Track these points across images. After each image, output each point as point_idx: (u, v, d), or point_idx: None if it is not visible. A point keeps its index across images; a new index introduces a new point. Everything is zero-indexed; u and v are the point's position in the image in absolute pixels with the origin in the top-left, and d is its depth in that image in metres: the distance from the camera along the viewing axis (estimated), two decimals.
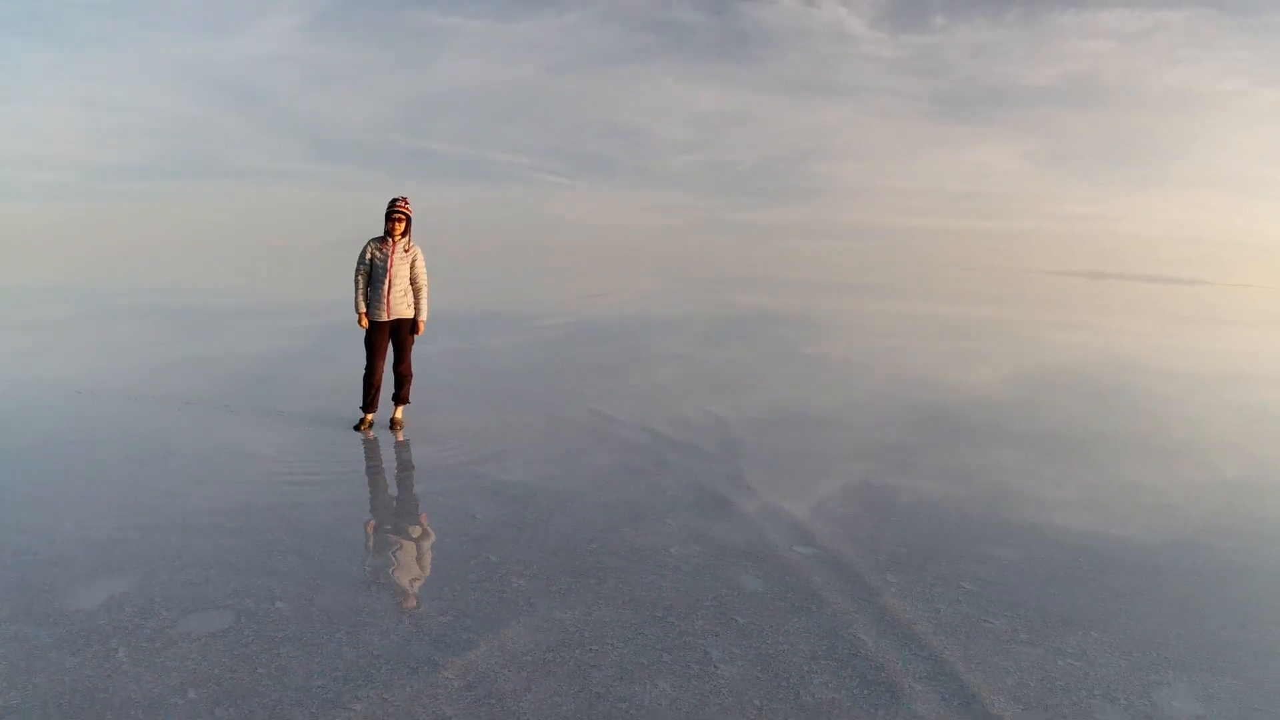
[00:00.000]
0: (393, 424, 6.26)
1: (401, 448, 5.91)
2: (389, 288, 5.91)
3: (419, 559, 4.02)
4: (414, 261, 6.02)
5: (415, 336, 6.20)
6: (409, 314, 6.09)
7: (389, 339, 6.10)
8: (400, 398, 6.29)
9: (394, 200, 5.92)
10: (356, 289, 5.96)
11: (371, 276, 5.97)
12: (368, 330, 6.07)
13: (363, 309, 6.01)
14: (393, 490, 5.14)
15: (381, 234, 5.99)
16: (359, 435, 6.05)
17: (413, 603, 3.46)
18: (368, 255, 5.95)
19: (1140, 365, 12.38)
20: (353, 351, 9.33)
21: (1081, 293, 52.00)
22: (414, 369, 6.30)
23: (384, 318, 5.98)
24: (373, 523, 4.45)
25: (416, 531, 4.35)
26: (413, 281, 6.06)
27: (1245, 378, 11.24)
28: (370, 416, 6.19)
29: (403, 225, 5.92)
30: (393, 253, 5.92)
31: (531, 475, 5.27)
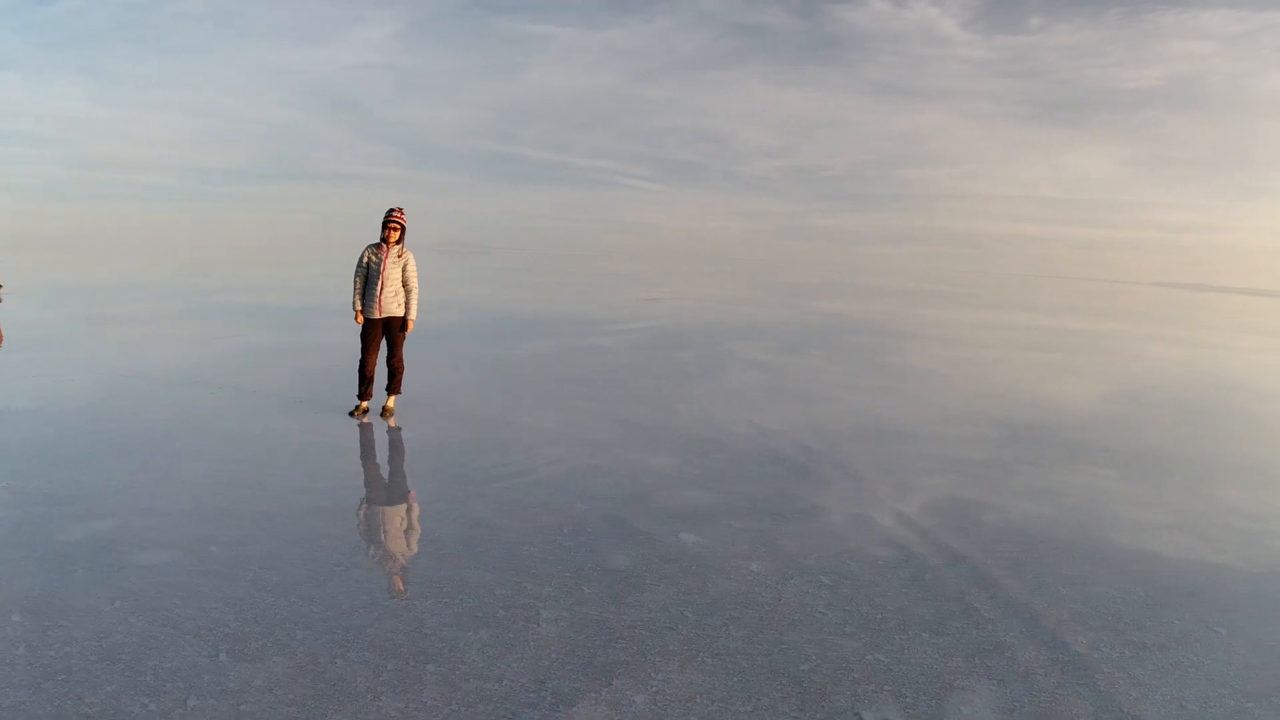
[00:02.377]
0: (384, 411, 7.02)
1: (392, 431, 6.63)
2: (382, 289, 6.68)
3: (354, 520, 4.66)
4: (405, 265, 6.77)
5: (405, 333, 6.92)
6: (399, 312, 6.85)
7: (381, 334, 6.85)
8: (392, 388, 7.04)
9: (390, 210, 6.69)
10: (354, 289, 6.75)
11: (367, 278, 6.74)
12: (362, 326, 6.84)
13: (358, 307, 6.80)
14: (362, 467, 5.84)
15: (378, 240, 6.75)
16: (354, 420, 6.82)
17: (324, 554, 4.09)
18: (364, 259, 6.74)
19: (1242, 383, 11.92)
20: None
21: (1183, 305, 48.42)
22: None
23: (376, 315, 6.76)
24: (330, 489, 5.14)
25: (361, 498, 5.02)
26: (404, 283, 6.81)
27: None
28: (365, 404, 6.95)
29: (397, 234, 6.68)
30: (386, 257, 6.68)
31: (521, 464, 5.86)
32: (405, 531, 4.54)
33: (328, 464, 5.69)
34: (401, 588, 3.73)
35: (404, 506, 4.95)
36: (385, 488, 5.39)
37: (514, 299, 24.35)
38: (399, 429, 6.72)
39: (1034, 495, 5.69)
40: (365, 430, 6.62)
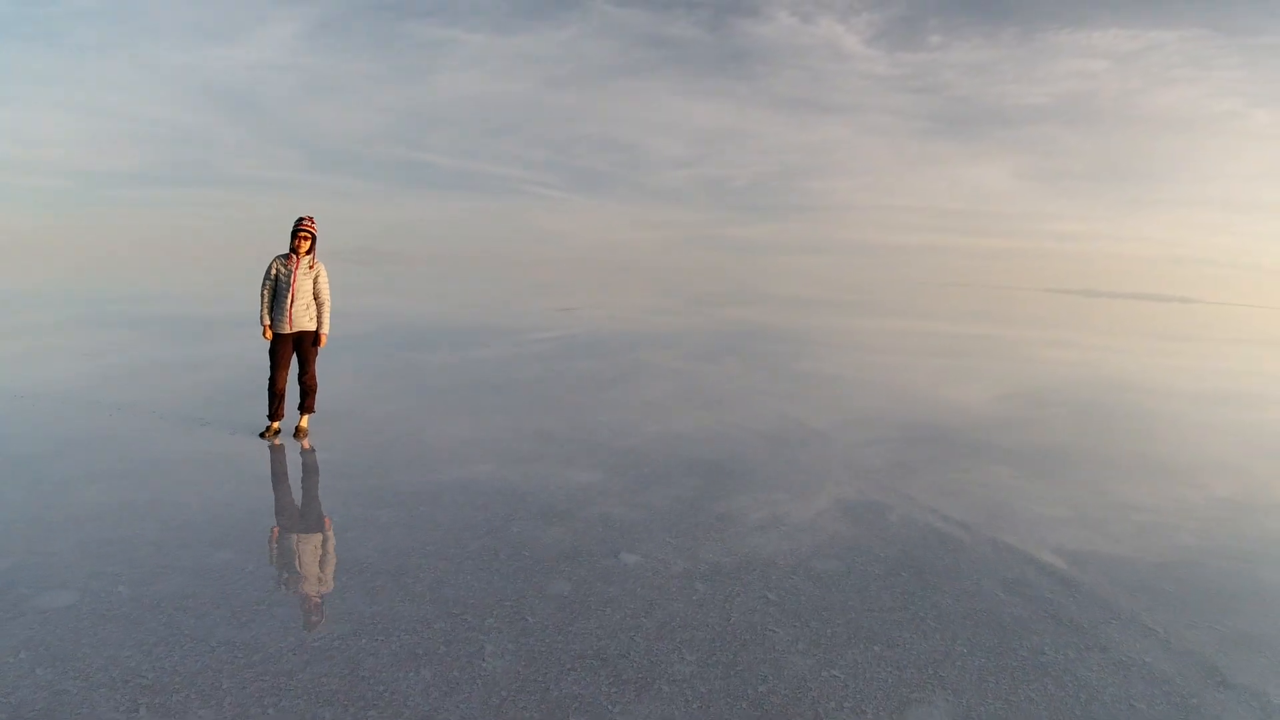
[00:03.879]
0: (297, 432, 6.60)
1: (306, 453, 6.24)
2: (292, 301, 6.28)
3: (270, 553, 4.33)
4: (317, 277, 6.40)
5: (318, 349, 6.54)
6: (311, 326, 6.46)
7: (292, 350, 6.45)
8: (305, 407, 6.63)
9: (300, 219, 6.31)
10: (261, 302, 6.33)
11: (276, 291, 6.33)
12: (271, 341, 6.42)
13: (266, 321, 6.38)
14: (276, 493, 5.46)
15: (287, 250, 6.36)
16: (264, 442, 6.38)
17: (239, 592, 3.77)
18: (273, 271, 6.33)
19: (1130, 383, 12.70)
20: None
21: (1073, 310, 51.99)
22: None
23: (286, 330, 6.35)
24: (241, 518, 4.77)
25: (277, 527, 4.68)
26: (315, 296, 6.44)
27: (1234, 396, 11.54)
28: (276, 425, 6.52)
29: (308, 243, 6.31)
30: (296, 269, 6.30)
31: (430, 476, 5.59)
32: (329, 563, 4.25)
33: (240, 490, 5.29)
34: (331, 626, 3.48)
35: (325, 535, 4.64)
36: (303, 515, 5.04)
37: (426, 309, 23.66)
38: (313, 450, 6.33)
39: (943, 494, 5.88)
40: (277, 452, 6.21)
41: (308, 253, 6.35)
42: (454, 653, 3.30)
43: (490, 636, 3.46)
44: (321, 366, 7.33)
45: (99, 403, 7.59)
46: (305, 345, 6.48)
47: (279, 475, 5.77)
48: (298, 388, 6.63)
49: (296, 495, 5.43)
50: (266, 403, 6.54)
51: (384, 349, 12.67)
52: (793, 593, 4.13)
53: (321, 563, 4.20)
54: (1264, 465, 7.24)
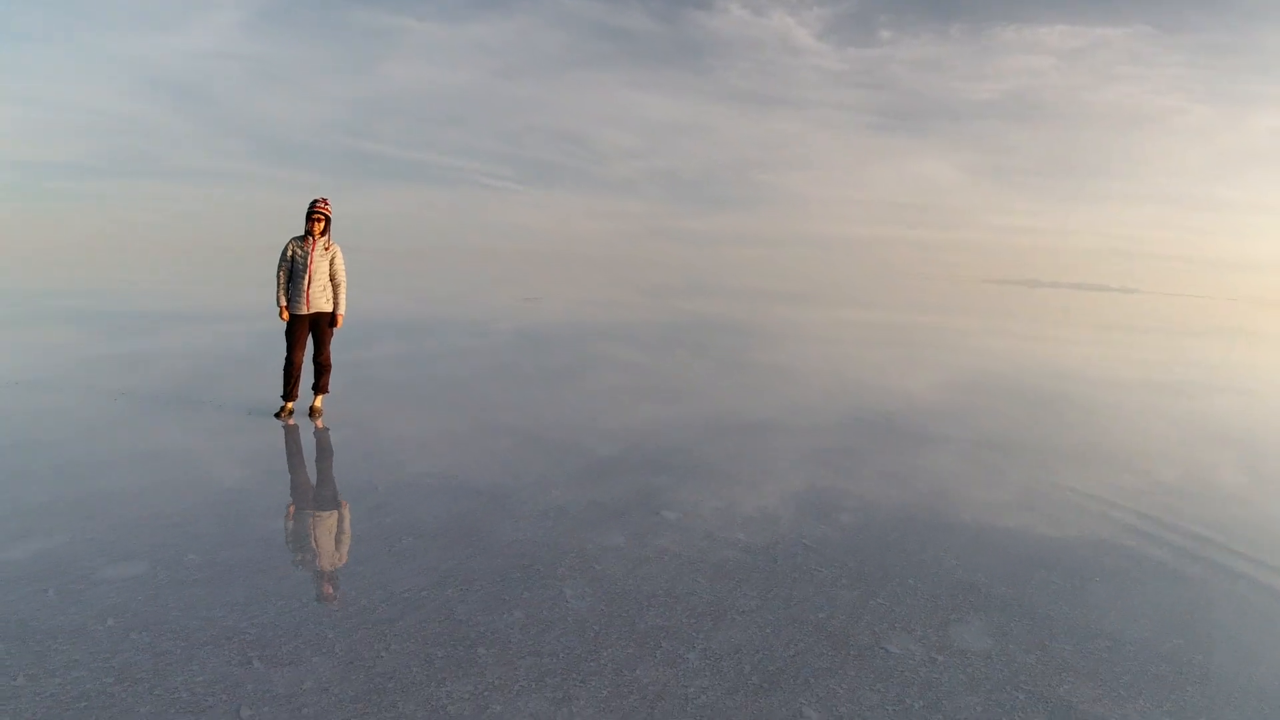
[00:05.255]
0: (311, 412, 6.67)
1: (324, 432, 6.31)
2: (309, 283, 6.33)
3: (322, 520, 4.45)
4: (333, 259, 6.46)
5: (334, 330, 6.61)
6: (328, 308, 6.52)
7: (308, 331, 6.51)
8: (319, 387, 6.70)
9: (314, 201, 6.35)
10: (278, 284, 6.36)
11: (292, 272, 6.37)
12: (288, 323, 6.46)
13: (283, 302, 6.41)
14: (301, 467, 5.55)
15: (303, 233, 6.40)
16: (279, 422, 6.42)
17: (309, 555, 3.91)
18: (289, 253, 6.36)
19: (1071, 371, 13.03)
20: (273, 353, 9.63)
21: (1017, 300, 54.02)
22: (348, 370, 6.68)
23: (303, 310, 6.41)
24: (282, 492, 4.87)
25: (321, 498, 4.79)
26: (332, 277, 6.49)
27: (1174, 384, 12.16)
28: (290, 405, 6.57)
29: (322, 225, 6.36)
30: (312, 250, 6.34)
31: (443, 462, 5.74)
32: (387, 528, 4.38)
33: (273, 468, 5.37)
34: (411, 580, 3.64)
35: (373, 503, 4.75)
36: (345, 487, 5.11)
37: (380, 302, 23.42)
38: (327, 429, 6.40)
39: (891, 481, 5.77)
40: (297, 432, 6.26)
41: (323, 234, 6.40)
42: (537, 597, 3.52)
43: (566, 583, 3.68)
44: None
45: (98, 389, 7.47)
46: (321, 326, 6.54)
47: (307, 452, 5.84)
48: (313, 368, 6.66)
49: (331, 470, 5.51)
50: (282, 384, 6.56)
51: (341, 343, 12.62)
52: (825, 540, 4.46)
53: (380, 527, 4.32)
54: (1203, 450, 7.49)
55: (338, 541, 4.14)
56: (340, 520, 4.48)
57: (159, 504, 4.49)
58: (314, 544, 4.09)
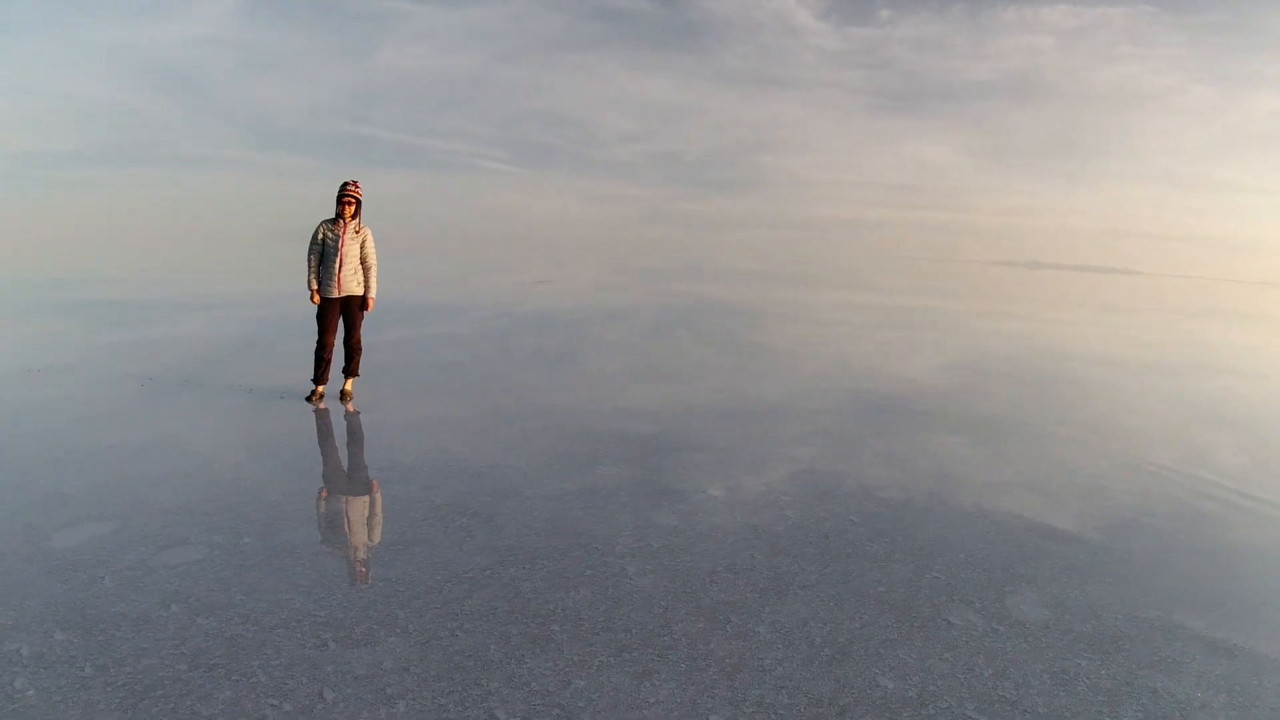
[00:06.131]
0: (343, 395, 6.66)
1: (353, 416, 6.31)
2: (340, 266, 6.30)
3: (374, 502, 4.46)
4: (364, 242, 6.42)
5: (365, 312, 6.58)
6: (359, 291, 6.50)
7: (339, 314, 6.48)
8: (350, 370, 6.69)
9: (345, 184, 6.31)
10: (309, 267, 6.33)
11: (323, 255, 6.34)
12: (319, 306, 6.44)
13: (314, 286, 6.38)
14: (340, 450, 5.55)
15: (333, 216, 6.36)
16: (310, 405, 6.42)
17: (366, 535, 3.92)
18: (320, 235, 6.33)
19: (1073, 352, 12.88)
20: (290, 338, 9.59)
21: (1018, 282, 54.02)
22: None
23: (335, 294, 6.38)
24: (326, 474, 4.87)
25: (367, 480, 4.80)
26: (363, 261, 6.46)
27: (1175, 364, 12.14)
28: (321, 389, 6.56)
29: (353, 208, 6.32)
30: (344, 233, 6.30)
31: (471, 446, 5.74)
32: (438, 509, 4.38)
33: (310, 451, 5.37)
34: (472, 560, 3.65)
35: (422, 485, 4.73)
36: (390, 468, 5.09)
37: (389, 287, 23.37)
38: (358, 413, 6.40)
39: (852, 461, 5.62)
40: (330, 416, 6.25)
41: (353, 217, 6.36)
42: (600, 574, 3.53)
43: (627, 560, 3.70)
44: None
45: (120, 375, 7.45)
46: (352, 309, 6.51)
47: (345, 435, 5.85)
48: (344, 351, 6.65)
49: (374, 452, 5.49)
50: (313, 368, 6.54)
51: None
52: (872, 516, 4.48)
53: (432, 508, 4.32)
54: (1203, 431, 7.37)
55: (393, 522, 4.14)
56: (392, 501, 4.48)
57: (202, 488, 4.48)
58: (369, 525, 4.10)
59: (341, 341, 6.62)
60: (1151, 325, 20.57)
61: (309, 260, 6.32)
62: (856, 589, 3.53)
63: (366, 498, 4.55)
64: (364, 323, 6.69)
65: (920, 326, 16.41)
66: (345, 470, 5.07)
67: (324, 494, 4.55)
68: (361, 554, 3.71)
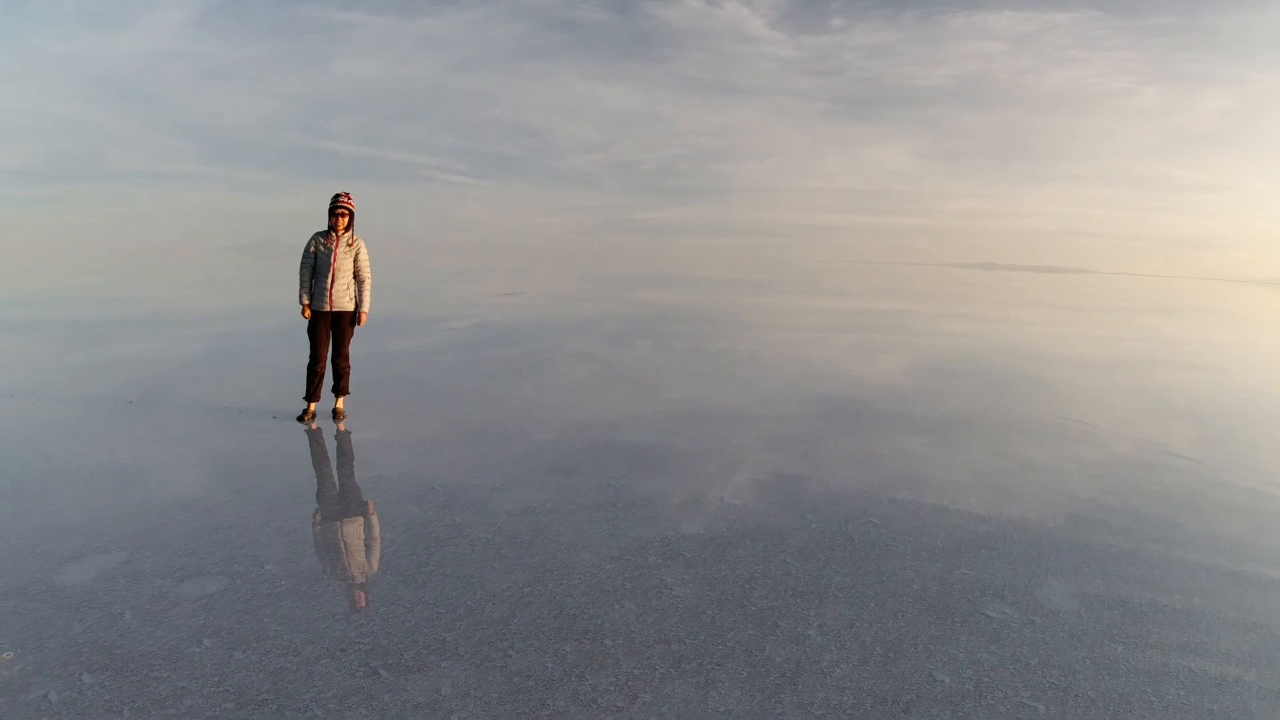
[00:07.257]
0: (335, 414, 6.50)
1: (349, 435, 6.16)
2: (333, 280, 6.15)
3: (392, 522, 4.35)
4: (358, 255, 6.28)
5: (355, 328, 6.43)
6: (350, 306, 6.34)
7: (330, 329, 6.32)
8: (340, 389, 6.52)
9: (337, 196, 6.17)
10: (301, 281, 6.16)
11: (316, 269, 6.18)
12: (310, 321, 6.28)
13: (306, 300, 6.22)
14: (343, 470, 5.41)
15: (326, 228, 6.21)
16: (303, 425, 6.25)
17: (393, 557, 3.83)
18: (312, 249, 6.17)
19: (1029, 352, 13.13)
20: (267, 355, 9.33)
21: (973, 284, 55.34)
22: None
23: (326, 308, 6.22)
24: (337, 496, 4.75)
25: (381, 500, 4.68)
26: (356, 274, 6.31)
27: (1128, 361, 12.48)
28: (313, 406, 6.39)
29: (346, 220, 6.18)
30: (336, 246, 6.16)
31: (465, 466, 5.66)
32: (460, 528, 4.30)
33: (315, 471, 5.23)
34: (506, 579, 3.60)
35: (437, 505, 4.64)
36: (401, 488, 4.97)
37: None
38: (349, 432, 6.25)
39: (856, 464, 5.66)
40: (324, 436, 6.09)
41: (346, 229, 6.21)
42: (640, 587, 3.51)
43: (663, 571, 3.68)
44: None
45: (99, 398, 7.16)
46: (343, 325, 6.35)
47: (346, 455, 5.70)
48: (331, 370, 6.48)
49: (379, 471, 5.33)
50: (305, 385, 6.37)
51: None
52: (891, 516, 4.54)
53: (453, 526, 4.24)
54: (1156, 424, 7.51)
55: (416, 543, 4.04)
56: (410, 521, 4.38)
57: (208, 514, 4.33)
58: (394, 546, 4.00)
59: (329, 359, 6.45)
60: (1107, 322, 21.22)
61: (301, 275, 6.16)
62: (893, 589, 3.57)
63: (383, 519, 4.44)
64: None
65: (888, 329, 16.71)
66: (356, 492, 4.95)
67: (339, 517, 4.43)
68: (392, 577, 3.61)
